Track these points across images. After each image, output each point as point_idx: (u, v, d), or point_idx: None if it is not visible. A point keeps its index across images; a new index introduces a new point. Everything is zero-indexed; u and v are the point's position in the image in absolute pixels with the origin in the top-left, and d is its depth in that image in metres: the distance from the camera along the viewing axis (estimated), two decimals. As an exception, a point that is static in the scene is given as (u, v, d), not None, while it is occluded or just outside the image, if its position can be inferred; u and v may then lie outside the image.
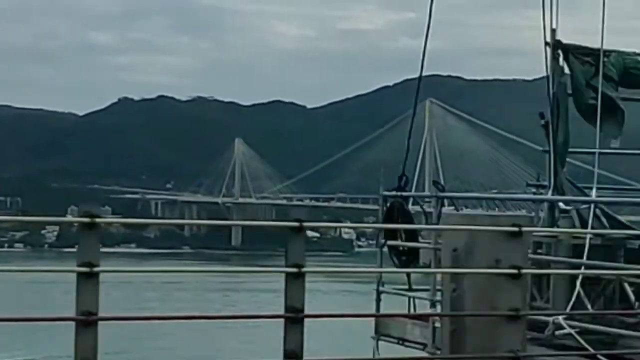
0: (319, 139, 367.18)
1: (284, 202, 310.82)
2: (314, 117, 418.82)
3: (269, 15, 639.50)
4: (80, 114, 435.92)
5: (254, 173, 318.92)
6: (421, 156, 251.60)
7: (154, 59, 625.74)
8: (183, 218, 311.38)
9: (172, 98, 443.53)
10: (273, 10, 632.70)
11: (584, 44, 24.80)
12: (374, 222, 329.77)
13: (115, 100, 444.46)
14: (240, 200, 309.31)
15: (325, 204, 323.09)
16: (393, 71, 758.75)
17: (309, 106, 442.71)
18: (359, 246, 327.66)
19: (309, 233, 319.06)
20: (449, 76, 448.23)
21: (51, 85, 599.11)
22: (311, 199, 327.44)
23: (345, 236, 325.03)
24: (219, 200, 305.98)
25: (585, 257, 20.50)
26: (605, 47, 24.42)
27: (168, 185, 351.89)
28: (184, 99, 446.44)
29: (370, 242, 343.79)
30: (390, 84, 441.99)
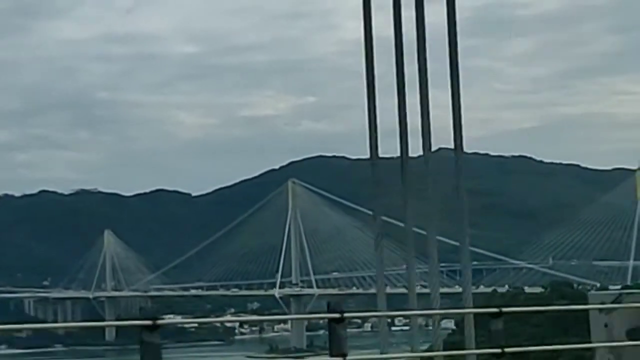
0: (198, 226, 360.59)
1: (160, 293, 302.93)
2: (198, 204, 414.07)
3: (171, 105, 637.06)
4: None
5: (125, 265, 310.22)
6: (286, 237, 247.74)
7: (53, 154, 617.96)
8: (56, 315, 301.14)
9: (55, 192, 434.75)
10: (175, 100, 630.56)
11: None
12: (258, 308, 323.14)
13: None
14: (113, 293, 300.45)
15: (208, 292, 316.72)
16: (286, 153, 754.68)
17: (194, 194, 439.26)
18: (242, 333, 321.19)
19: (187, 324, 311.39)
20: (334, 156, 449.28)
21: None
22: (196, 288, 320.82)
23: (228, 324, 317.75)
24: (90, 295, 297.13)
25: None
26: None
27: (45, 282, 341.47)
28: (67, 192, 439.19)
29: (253, 328, 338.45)
30: (277, 167, 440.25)
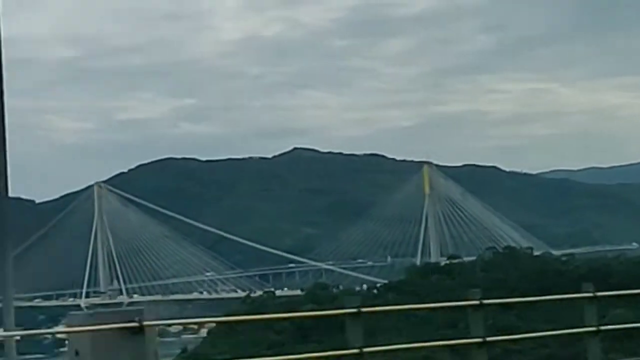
0: (38, 233, 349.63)
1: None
2: (41, 210, 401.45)
3: (47, 110, 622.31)
4: None
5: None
6: (92, 243, 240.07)
7: None
8: None
9: None
10: (49, 105, 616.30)
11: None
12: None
13: None
14: None
15: (42, 303, 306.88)
16: (140, 156, 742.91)
17: (38, 200, 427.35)
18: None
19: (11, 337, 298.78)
20: (184, 158, 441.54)
21: None
22: (32, 298, 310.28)
23: (60, 335, 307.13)
24: None
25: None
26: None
27: None
28: None
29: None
30: (125, 170, 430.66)
